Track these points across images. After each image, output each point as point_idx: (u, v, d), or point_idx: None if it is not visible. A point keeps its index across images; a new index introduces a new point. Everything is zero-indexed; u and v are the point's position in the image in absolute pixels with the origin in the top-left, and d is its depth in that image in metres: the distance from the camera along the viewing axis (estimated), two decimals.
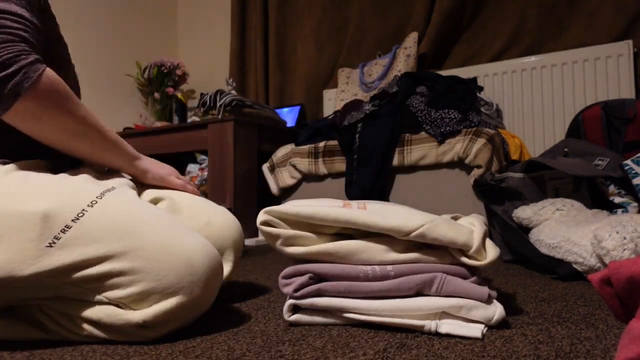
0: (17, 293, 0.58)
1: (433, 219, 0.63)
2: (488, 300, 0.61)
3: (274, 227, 0.65)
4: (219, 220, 0.81)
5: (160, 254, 0.58)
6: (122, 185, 0.74)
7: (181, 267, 0.58)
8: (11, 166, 0.67)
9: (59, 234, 0.56)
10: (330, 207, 0.64)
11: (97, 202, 0.60)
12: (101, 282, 0.57)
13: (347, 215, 0.63)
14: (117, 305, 0.58)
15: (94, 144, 0.73)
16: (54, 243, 0.56)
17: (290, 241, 0.65)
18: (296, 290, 0.63)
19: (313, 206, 0.64)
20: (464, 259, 0.63)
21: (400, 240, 0.64)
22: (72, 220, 0.57)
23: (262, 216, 0.65)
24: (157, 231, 0.60)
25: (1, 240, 0.55)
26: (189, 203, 0.82)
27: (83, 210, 0.59)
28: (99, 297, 0.57)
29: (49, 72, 0.66)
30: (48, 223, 0.56)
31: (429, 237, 0.62)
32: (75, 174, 0.71)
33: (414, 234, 0.62)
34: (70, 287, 0.57)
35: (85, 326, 0.59)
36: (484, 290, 0.61)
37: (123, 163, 0.80)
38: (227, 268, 0.80)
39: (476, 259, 0.63)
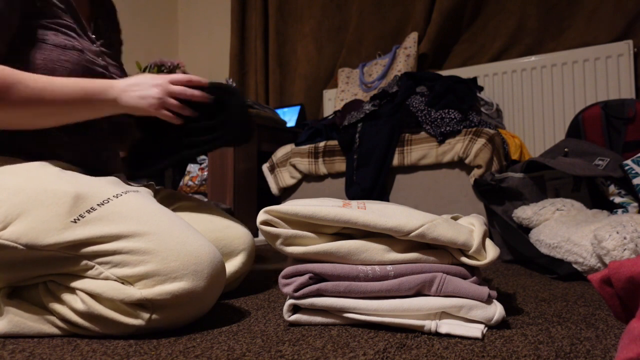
0: (30, 268, 0.63)
1: (433, 219, 0.63)
2: (488, 300, 0.61)
3: (274, 226, 0.65)
4: (237, 227, 0.91)
5: (170, 242, 0.63)
6: (144, 191, 0.79)
7: (188, 256, 0.62)
8: (47, 162, 0.73)
9: (84, 213, 0.63)
10: (330, 207, 0.64)
11: (122, 195, 0.68)
12: (112, 258, 0.61)
13: (347, 214, 0.63)
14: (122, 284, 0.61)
15: (62, 111, 0.73)
16: (79, 220, 0.62)
17: (290, 241, 0.65)
18: (296, 290, 0.63)
19: (313, 206, 0.64)
20: (464, 259, 0.63)
21: (400, 240, 0.64)
22: (98, 205, 0.64)
23: (262, 215, 0.65)
24: (170, 226, 0.65)
25: (33, 211, 0.62)
26: (210, 209, 0.93)
27: (109, 199, 0.66)
28: (106, 274, 0.61)
29: None
30: (77, 202, 0.64)
31: (429, 236, 0.62)
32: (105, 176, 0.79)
33: (413, 233, 0.62)
34: (82, 261, 0.61)
35: (86, 298, 0.61)
36: (484, 290, 0.61)
37: (102, 108, 0.77)
38: (237, 263, 0.88)
39: (476, 259, 0.63)
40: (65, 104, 0.72)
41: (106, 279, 0.61)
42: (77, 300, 0.61)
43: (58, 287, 0.64)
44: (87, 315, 0.61)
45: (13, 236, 0.60)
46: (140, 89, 0.77)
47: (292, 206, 0.64)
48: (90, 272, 0.62)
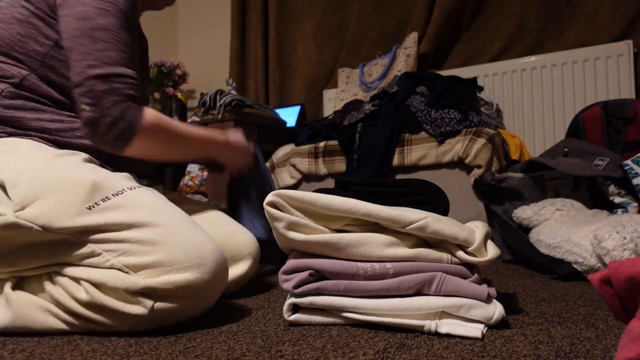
0: (40, 252, 0.64)
1: (435, 215, 0.64)
2: (488, 300, 0.61)
3: (281, 210, 0.65)
4: (242, 232, 0.93)
5: (176, 236, 0.65)
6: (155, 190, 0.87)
7: (193, 250, 0.64)
8: (70, 152, 0.77)
9: (99, 201, 0.66)
10: (333, 196, 0.64)
11: (135, 188, 0.71)
12: (120, 246, 0.63)
13: (350, 202, 0.63)
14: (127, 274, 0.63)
15: (192, 148, 0.91)
16: (94, 207, 0.65)
17: (293, 227, 0.65)
18: (296, 287, 0.63)
19: (318, 194, 0.65)
20: (464, 256, 0.63)
21: (401, 237, 0.64)
22: (113, 195, 0.67)
23: (271, 197, 0.65)
24: (178, 221, 0.68)
25: (51, 195, 0.65)
26: (215, 214, 0.95)
27: (123, 190, 0.69)
28: (112, 262, 0.62)
29: (148, 114, 0.79)
30: (94, 191, 0.66)
31: (430, 229, 0.62)
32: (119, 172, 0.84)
33: (414, 225, 0.62)
34: (91, 247, 0.63)
35: (90, 288, 0.62)
36: (484, 289, 0.61)
37: (218, 149, 0.97)
38: (243, 267, 0.88)
39: (476, 257, 0.63)
40: (197, 143, 0.90)
41: (111, 267, 0.62)
42: (80, 290, 0.62)
43: (62, 277, 0.65)
44: (90, 305, 0.62)
45: (30, 217, 0.63)
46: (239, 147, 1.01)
47: (299, 192, 0.65)
48: (97, 260, 0.63)
